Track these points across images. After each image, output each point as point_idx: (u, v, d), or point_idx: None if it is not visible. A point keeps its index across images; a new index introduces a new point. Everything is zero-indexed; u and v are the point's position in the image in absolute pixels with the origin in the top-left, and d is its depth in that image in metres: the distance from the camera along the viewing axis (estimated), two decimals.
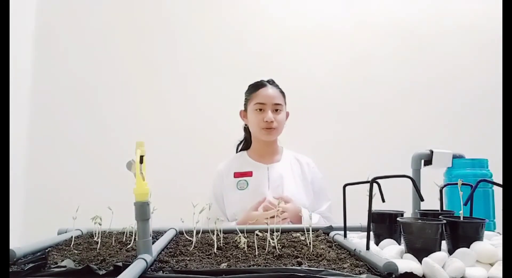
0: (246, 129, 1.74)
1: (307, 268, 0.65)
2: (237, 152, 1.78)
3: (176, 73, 2.37)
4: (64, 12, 2.38)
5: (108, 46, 2.37)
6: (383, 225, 0.90)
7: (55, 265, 0.68)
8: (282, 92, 1.67)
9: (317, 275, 0.62)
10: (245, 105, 1.69)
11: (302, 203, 1.54)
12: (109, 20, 2.39)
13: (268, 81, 1.67)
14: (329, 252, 0.79)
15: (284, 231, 1.03)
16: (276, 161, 1.67)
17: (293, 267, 0.66)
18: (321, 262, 0.72)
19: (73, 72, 2.34)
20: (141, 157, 0.72)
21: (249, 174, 1.63)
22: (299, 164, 1.69)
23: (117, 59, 2.36)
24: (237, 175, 1.64)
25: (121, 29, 2.38)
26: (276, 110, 1.60)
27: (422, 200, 0.85)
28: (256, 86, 1.65)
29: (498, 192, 0.96)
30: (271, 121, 1.57)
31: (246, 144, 1.76)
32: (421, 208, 1.09)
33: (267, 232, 0.88)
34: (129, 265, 0.64)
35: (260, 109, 1.60)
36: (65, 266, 0.66)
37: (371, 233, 0.85)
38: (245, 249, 0.82)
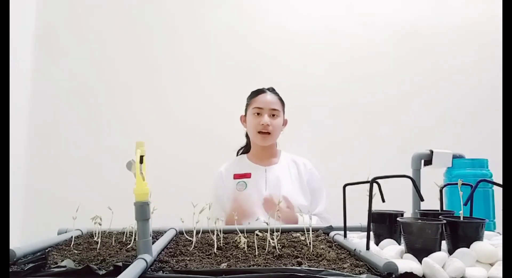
0: (248, 135, 1.79)
1: (307, 268, 0.65)
2: (237, 155, 1.83)
3: (176, 73, 2.37)
4: (64, 12, 2.38)
5: (108, 47, 2.37)
6: (383, 225, 0.90)
7: (55, 265, 0.68)
8: (281, 100, 1.72)
9: (317, 275, 0.62)
10: (246, 110, 1.75)
11: (299, 204, 1.57)
12: (110, 20, 2.39)
13: (268, 89, 1.73)
14: (329, 252, 0.79)
15: (284, 231, 1.03)
16: (274, 163, 1.72)
17: (293, 267, 0.66)
18: (321, 262, 0.72)
19: (73, 72, 2.34)
20: (141, 157, 0.72)
21: (247, 175, 1.68)
22: (296, 165, 1.73)
23: (118, 60, 2.36)
24: (236, 176, 1.69)
25: (122, 30, 2.38)
26: (273, 115, 1.65)
27: (422, 200, 0.85)
28: (255, 93, 1.71)
29: (498, 192, 0.96)
30: (267, 124, 1.62)
31: (246, 148, 1.82)
32: (421, 208, 1.09)
33: (267, 232, 0.88)
34: (129, 265, 0.64)
35: (258, 113, 1.65)
36: (65, 266, 0.66)
37: (371, 233, 0.85)
38: (245, 249, 0.82)
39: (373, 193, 0.79)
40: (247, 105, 1.73)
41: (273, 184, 1.64)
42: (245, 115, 1.75)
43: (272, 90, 1.73)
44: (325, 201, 1.69)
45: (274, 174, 1.67)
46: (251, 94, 1.73)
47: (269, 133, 1.64)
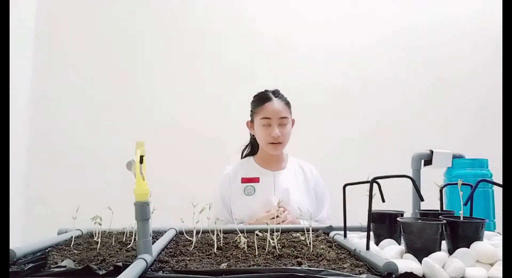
0: (254, 137, 1.75)
1: (307, 268, 0.65)
2: (242, 157, 1.80)
3: (176, 73, 2.36)
4: (64, 12, 2.37)
5: (108, 46, 2.36)
6: (383, 225, 0.90)
7: (55, 265, 0.68)
8: (288, 103, 1.67)
9: (317, 275, 0.62)
10: (251, 116, 1.70)
11: (305, 210, 1.55)
12: (110, 20, 2.38)
13: (274, 93, 1.66)
14: (329, 252, 0.79)
15: (284, 231, 1.03)
16: (281, 168, 1.71)
17: (293, 267, 0.66)
18: (321, 262, 0.72)
19: (73, 72, 2.33)
20: (141, 157, 0.72)
21: (256, 180, 1.65)
22: (302, 171, 1.72)
23: (117, 59, 2.36)
24: (244, 180, 1.66)
25: (121, 29, 2.38)
26: (283, 123, 1.62)
27: (422, 200, 0.85)
28: (262, 100, 1.64)
29: (498, 192, 0.96)
30: (278, 136, 1.59)
31: (252, 149, 1.78)
32: (421, 208, 1.09)
33: (267, 232, 0.88)
34: (129, 265, 0.64)
35: (267, 124, 1.61)
36: (65, 266, 0.66)
37: (371, 233, 0.85)
38: (245, 249, 0.82)
39: (373, 193, 0.79)
40: (253, 112, 1.68)
41: (281, 190, 1.62)
42: (251, 121, 1.71)
43: (277, 94, 1.66)
44: (328, 208, 1.69)
45: (283, 179, 1.66)
46: (257, 100, 1.66)
47: (280, 143, 1.62)
